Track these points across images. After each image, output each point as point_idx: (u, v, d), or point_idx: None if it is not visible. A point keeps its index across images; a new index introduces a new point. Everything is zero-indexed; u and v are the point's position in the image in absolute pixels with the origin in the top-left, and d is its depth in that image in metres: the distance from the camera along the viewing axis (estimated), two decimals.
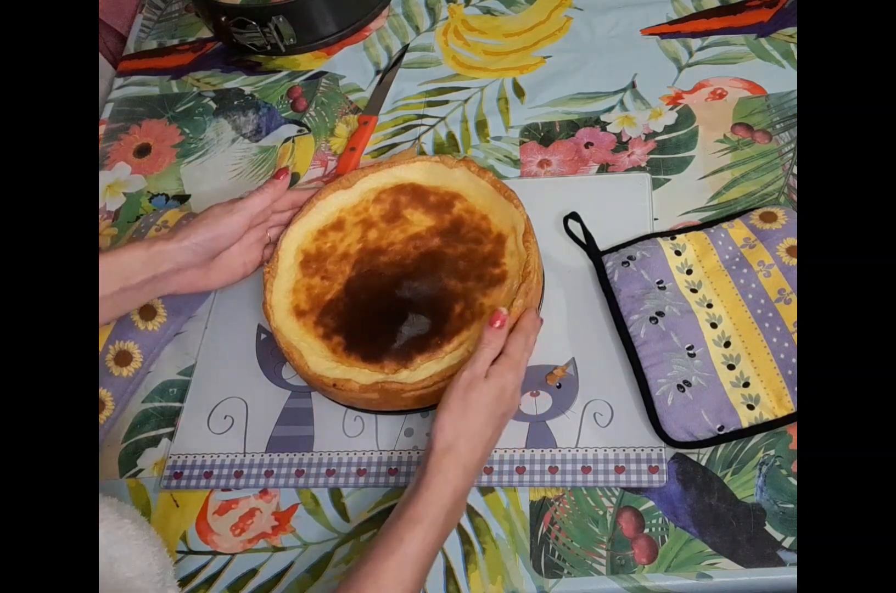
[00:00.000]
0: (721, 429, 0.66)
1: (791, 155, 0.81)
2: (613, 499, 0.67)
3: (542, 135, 0.88)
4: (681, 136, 0.85)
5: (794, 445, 0.66)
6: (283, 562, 0.69)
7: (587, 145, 0.87)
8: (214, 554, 0.70)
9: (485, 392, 0.64)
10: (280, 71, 1.02)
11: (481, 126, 0.91)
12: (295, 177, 0.91)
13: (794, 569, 0.61)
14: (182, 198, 0.93)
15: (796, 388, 0.66)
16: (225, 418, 0.76)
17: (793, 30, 0.90)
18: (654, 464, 0.67)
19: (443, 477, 0.61)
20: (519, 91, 0.93)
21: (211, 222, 0.72)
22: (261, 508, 0.71)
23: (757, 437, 0.67)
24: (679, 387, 0.67)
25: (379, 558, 0.58)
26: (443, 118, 0.93)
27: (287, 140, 0.95)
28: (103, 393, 0.77)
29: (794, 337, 0.68)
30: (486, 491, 0.69)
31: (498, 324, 0.67)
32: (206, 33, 1.09)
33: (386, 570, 0.57)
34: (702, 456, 0.67)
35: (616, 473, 0.67)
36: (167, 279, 0.72)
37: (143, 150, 0.99)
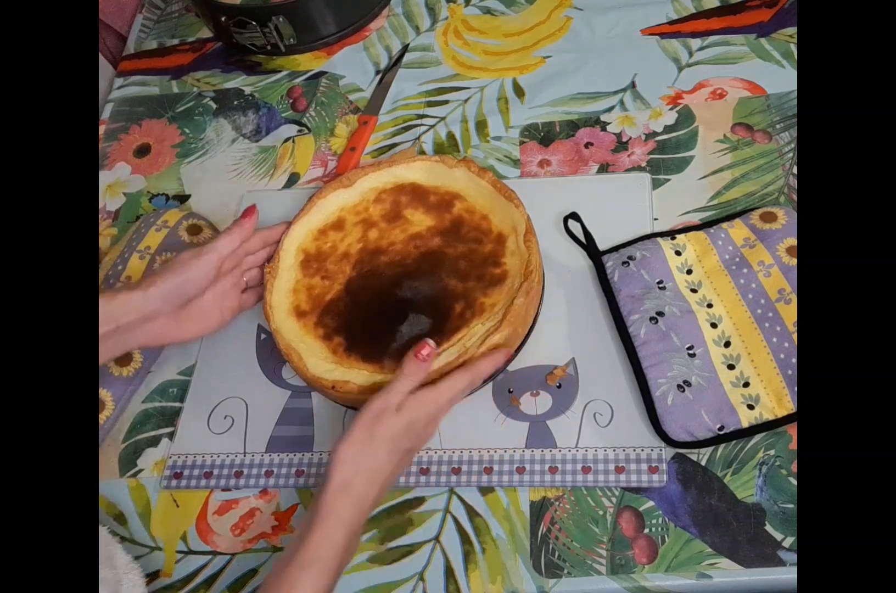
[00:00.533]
0: (721, 429, 0.66)
1: (791, 155, 0.81)
2: (613, 499, 0.67)
3: (542, 135, 0.88)
4: (681, 136, 0.85)
5: (794, 445, 0.66)
6: None
7: (587, 145, 0.87)
8: (214, 554, 0.70)
9: (392, 425, 0.62)
10: (280, 71, 1.02)
11: (481, 126, 0.91)
12: (295, 178, 0.91)
13: (794, 569, 0.61)
14: (182, 198, 0.93)
15: (796, 388, 0.66)
16: (225, 418, 0.76)
17: (793, 30, 0.90)
18: (654, 464, 0.67)
19: (336, 518, 0.59)
20: (519, 91, 0.93)
21: (178, 267, 0.70)
22: (261, 508, 0.71)
23: (757, 437, 0.67)
24: (679, 387, 0.67)
25: None
26: (443, 118, 0.93)
27: (287, 140, 0.95)
28: (103, 393, 0.77)
29: (794, 337, 0.68)
30: (486, 491, 0.69)
31: (423, 355, 0.65)
32: (206, 33, 1.09)
33: None
34: (702, 456, 0.67)
35: (616, 473, 0.67)
36: (132, 331, 0.68)
37: (143, 150, 0.99)
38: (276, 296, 0.76)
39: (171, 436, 0.76)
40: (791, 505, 0.64)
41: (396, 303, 0.74)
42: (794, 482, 0.65)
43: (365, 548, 0.68)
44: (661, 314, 0.71)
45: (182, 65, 1.06)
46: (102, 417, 0.76)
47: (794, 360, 0.67)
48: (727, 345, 0.70)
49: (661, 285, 0.73)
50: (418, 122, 0.93)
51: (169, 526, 0.72)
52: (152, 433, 0.77)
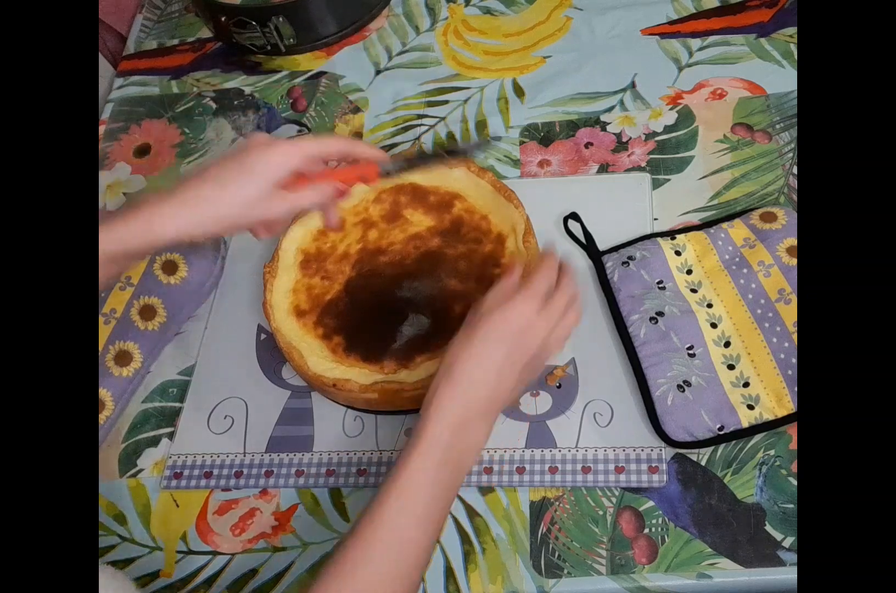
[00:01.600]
0: (721, 429, 0.66)
1: (791, 155, 0.81)
2: (613, 499, 0.67)
3: (542, 135, 0.88)
4: (681, 136, 0.85)
5: (794, 445, 0.66)
6: (283, 562, 0.69)
7: (587, 145, 0.87)
8: (214, 554, 0.70)
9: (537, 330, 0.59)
10: (280, 71, 1.02)
11: (481, 126, 0.91)
12: None
13: (794, 569, 0.61)
14: None
15: (796, 388, 0.66)
16: (225, 418, 0.76)
17: (793, 30, 0.90)
18: (654, 464, 0.67)
19: (442, 409, 0.56)
20: (519, 91, 0.93)
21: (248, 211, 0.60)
22: (261, 508, 0.71)
23: (757, 437, 0.67)
24: (679, 387, 0.67)
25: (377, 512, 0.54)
26: (443, 118, 0.93)
27: None
28: (103, 393, 0.77)
29: (794, 337, 0.68)
30: (486, 491, 0.69)
31: (556, 261, 0.62)
32: (206, 33, 1.09)
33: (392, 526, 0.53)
34: (702, 456, 0.67)
35: (616, 473, 0.67)
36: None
37: (143, 150, 0.99)
38: (276, 296, 0.76)
39: (170, 436, 0.76)
40: (791, 505, 0.64)
41: (396, 304, 0.74)
42: (794, 482, 0.65)
43: None
44: (661, 314, 0.71)
45: (182, 65, 1.06)
46: (102, 417, 0.76)
47: (794, 360, 0.67)
48: (727, 345, 0.69)
49: (660, 285, 0.73)
50: (418, 122, 0.93)
51: (169, 526, 0.72)
52: (152, 433, 0.77)
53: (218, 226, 0.61)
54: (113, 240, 0.58)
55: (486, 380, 0.58)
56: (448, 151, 0.67)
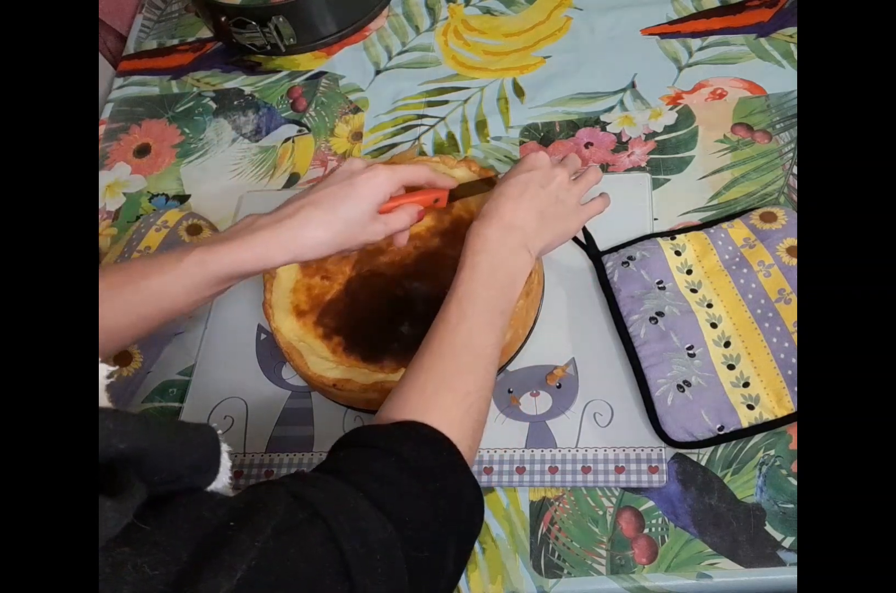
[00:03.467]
0: (721, 429, 0.66)
1: (791, 155, 0.81)
2: (613, 499, 0.67)
3: (542, 135, 0.88)
4: (681, 136, 0.85)
5: (794, 445, 0.66)
6: None
7: (587, 145, 0.87)
8: None
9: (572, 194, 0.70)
10: (280, 71, 1.02)
11: (481, 126, 0.91)
12: (295, 178, 0.91)
13: (794, 569, 0.61)
14: (182, 199, 0.93)
15: (796, 388, 0.66)
16: (225, 418, 0.76)
17: (793, 30, 0.90)
18: (654, 464, 0.67)
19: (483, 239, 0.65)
20: (519, 91, 0.93)
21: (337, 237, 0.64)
22: None
23: (757, 437, 0.67)
24: (679, 387, 0.67)
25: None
26: (443, 118, 0.93)
27: (287, 140, 0.95)
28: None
29: (794, 337, 0.68)
30: (486, 491, 0.69)
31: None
32: (206, 33, 1.09)
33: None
34: (702, 456, 0.67)
35: (616, 473, 0.67)
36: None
37: (142, 150, 0.99)
38: (276, 296, 0.76)
39: None
40: (791, 505, 0.64)
41: (396, 304, 0.74)
42: (794, 482, 0.65)
43: None
44: (660, 314, 0.71)
45: (182, 65, 1.06)
46: None
47: (794, 360, 0.67)
48: (727, 345, 0.70)
49: (660, 285, 0.73)
50: (418, 122, 0.93)
51: None
52: None
53: (329, 248, 0.63)
54: (230, 261, 0.60)
55: (507, 208, 0.66)
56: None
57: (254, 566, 0.39)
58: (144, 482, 0.39)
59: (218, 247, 0.60)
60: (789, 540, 0.62)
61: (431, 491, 0.50)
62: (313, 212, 0.63)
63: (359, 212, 0.63)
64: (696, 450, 0.67)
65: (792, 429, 0.67)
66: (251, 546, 0.40)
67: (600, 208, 0.73)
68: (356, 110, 0.96)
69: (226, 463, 0.47)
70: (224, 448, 0.47)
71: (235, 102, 1.00)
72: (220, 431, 0.46)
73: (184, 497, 0.42)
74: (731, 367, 0.68)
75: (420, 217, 0.69)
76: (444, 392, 0.56)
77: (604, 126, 0.88)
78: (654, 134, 0.86)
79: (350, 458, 0.52)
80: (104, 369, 0.44)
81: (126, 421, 0.39)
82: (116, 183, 0.96)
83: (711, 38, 0.92)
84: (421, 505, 0.49)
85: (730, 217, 0.78)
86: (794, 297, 0.69)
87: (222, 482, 0.47)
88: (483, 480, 0.68)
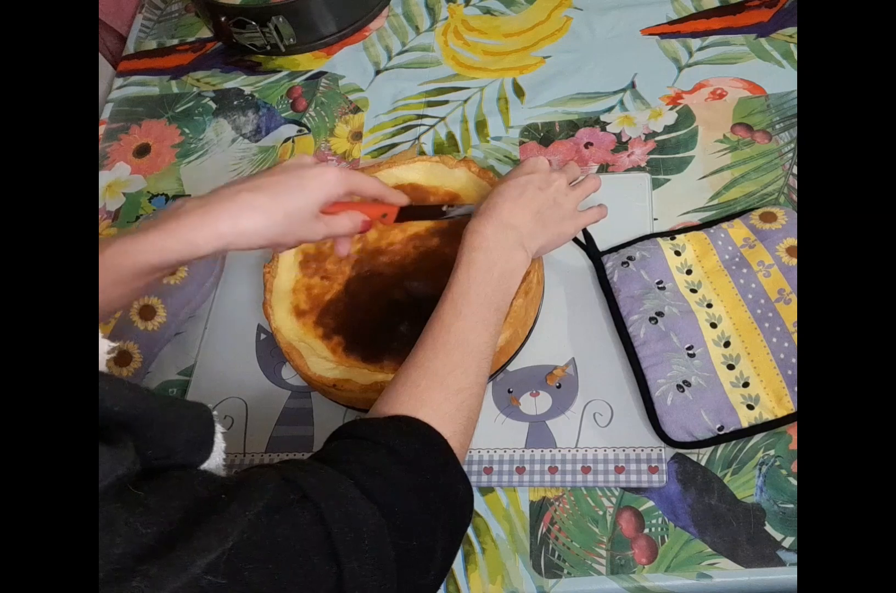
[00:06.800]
0: (721, 429, 0.66)
1: (791, 155, 0.81)
2: (613, 499, 0.67)
3: (542, 135, 0.88)
4: (681, 136, 0.85)
5: (794, 445, 0.66)
6: None
7: (587, 145, 0.87)
8: None
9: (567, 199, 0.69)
10: (280, 71, 1.02)
11: (481, 126, 0.91)
12: None
13: (794, 569, 0.61)
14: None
15: (796, 388, 0.66)
16: (225, 418, 0.76)
17: (793, 30, 0.90)
18: (653, 464, 0.67)
19: (479, 235, 0.65)
20: (519, 91, 0.93)
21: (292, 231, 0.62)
22: None
23: (757, 437, 0.67)
24: (679, 387, 0.67)
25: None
26: (443, 118, 0.93)
27: (287, 140, 0.95)
28: None
29: (794, 337, 0.68)
30: (485, 491, 0.69)
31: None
32: (206, 33, 1.09)
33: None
34: (702, 456, 0.67)
35: (616, 473, 0.67)
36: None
37: (142, 150, 0.99)
38: (276, 296, 0.76)
39: None
40: (791, 505, 0.64)
41: (396, 303, 0.74)
42: (794, 482, 0.65)
43: None
44: (660, 314, 0.71)
45: (182, 65, 1.06)
46: None
47: (794, 360, 0.67)
48: (727, 345, 0.70)
49: (660, 285, 0.73)
50: (418, 122, 0.93)
51: None
52: None
53: (263, 239, 0.60)
54: (153, 250, 0.56)
55: (505, 207, 0.66)
56: (450, 209, 0.73)
57: (245, 539, 0.40)
58: (139, 456, 0.40)
59: (142, 237, 0.56)
60: (789, 540, 0.62)
61: (421, 483, 0.51)
62: (253, 198, 0.59)
63: (302, 205, 0.60)
64: (695, 450, 0.67)
65: (792, 429, 0.67)
66: (242, 515, 0.41)
67: (596, 217, 0.73)
68: (356, 110, 0.96)
69: (219, 443, 0.48)
70: (218, 429, 0.48)
71: (235, 102, 1.00)
72: (215, 412, 0.47)
73: (177, 471, 0.43)
74: (730, 367, 0.68)
75: (365, 228, 0.67)
76: (436, 388, 0.57)
77: (604, 126, 0.88)
78: (654, 134, 0.86)
79: (342, 449, 0.52)
80: (105, 344, 0.44)
81: (121, 386, 0.40)
82: (116, 183, 0.96)
83: (711, 38, 0.92)
84: (410, 497, 0.50)
85: (730, 217, 0.78)
86: (794, 297, 0.69)
87: (215, 462, 0.48)
88: (483, 480, 0.69)
